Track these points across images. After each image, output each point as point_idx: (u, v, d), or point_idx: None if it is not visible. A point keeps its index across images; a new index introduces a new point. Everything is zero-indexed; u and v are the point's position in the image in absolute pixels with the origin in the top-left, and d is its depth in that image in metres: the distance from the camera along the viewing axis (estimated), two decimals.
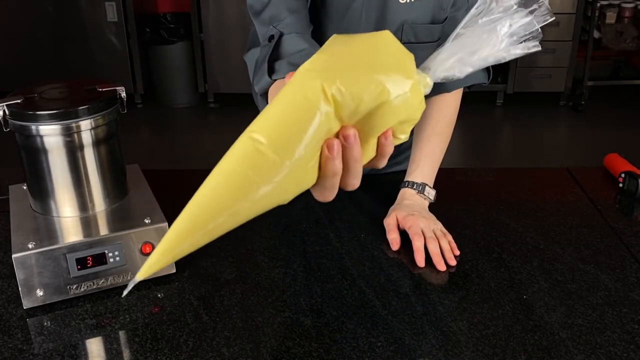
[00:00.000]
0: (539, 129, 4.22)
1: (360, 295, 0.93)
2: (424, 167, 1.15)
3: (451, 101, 1.20)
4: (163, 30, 4.37)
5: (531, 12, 0.56)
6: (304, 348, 0.82)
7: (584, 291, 0.94)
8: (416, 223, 1.05)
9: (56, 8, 4.25)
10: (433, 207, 1.13)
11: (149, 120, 4.40)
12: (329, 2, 1.07)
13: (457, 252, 1.03)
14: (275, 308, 0.91)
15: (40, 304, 0.90)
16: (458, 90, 1.20)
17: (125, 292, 0.56)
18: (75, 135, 0.93)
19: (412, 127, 0.59)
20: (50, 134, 0.91)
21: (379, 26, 1.10)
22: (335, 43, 0.57)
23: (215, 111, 4.49)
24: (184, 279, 0.97)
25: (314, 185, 0.58)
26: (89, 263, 0.90)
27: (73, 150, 0.94)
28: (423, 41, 1.14)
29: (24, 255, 0.87)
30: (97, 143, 0.95)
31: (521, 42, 0.56)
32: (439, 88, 1.18)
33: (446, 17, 1.14)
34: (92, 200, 0.97)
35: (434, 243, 1.02)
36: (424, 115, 1.21)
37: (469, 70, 0.58)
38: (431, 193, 1.14)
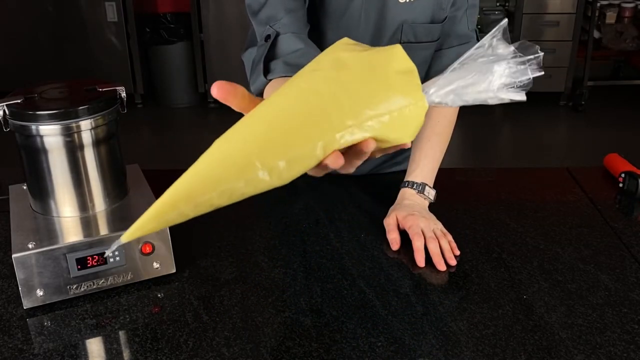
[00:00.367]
0: (539, 129, 4.22)
1: (360, 295, 0.93)
2: (424, 167, 1.15)
3: None
4: (163, 30, 4.37)
5: (528, 61, 0.58)
6: (304, 348, 0.82)
7: (584, 291, 0.94)
8: (416, 223, 1.05)
9: (56, 8, 4.25)
10: (433, 207, 1.13)
11: (149, 120, 4.40)
12: (328, 1, 1.07)
13: (457, 252, 1.03)
14: (275, 308, 0.91)
15: (40, 304, 0.90)
16: None
17: (108, 252, 0.55)
18: (75, 135, 0.93)
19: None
20: (50, 134, 0.91)
21: (378, 26, 1.10)
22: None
23: (215, 111, 4.49)
24: (184, 279, 0.97)
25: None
26: (89, 263, 0.90)
27: (73, 150, 0.94)
28: (422, 41, 1.14)
29: (24, 255, 0.87)
30: (97, 143, 0.95)
31: (511, 88, 0.58)
32: None
33: (445, 17, 1.14)
34: (92, 200, 0.97)
35: (434, 243, 1.02)
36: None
37: (460, 103, 0.60)
38: (431, 193, 1.14)
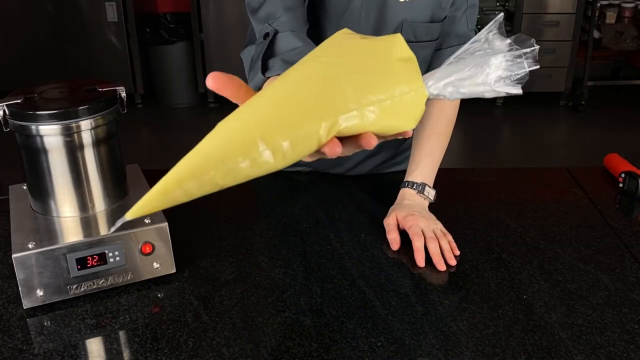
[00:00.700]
0: (539, 129, 4.22)
1: (360, 295, 0.93)
2: (424, 167, 1.15)
3: (451, 101, 1.20)
4: (163, 30, 4.37)
5: (524, 54, 0.59)
6: (304, 348, 0.82)
7: (584, 291, 0.94)
8: (416, 223, 1.05)
9: (56, 8, 4.25)
10: (433, 207, 1.13)
11: (149, 120, 4.40)
12: (328, 0, 1.07)
13: (457, 252, 1.03)
14: (275, 308, 0.91)
15: (40, 304, 0.90)
16: None
17: (112, 229, 0.54)
18: (75, 135, 0.93)
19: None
20: (50, 134, 0.91)
21: (378, 25, 1.10)
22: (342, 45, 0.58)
23: (215, 111, 4.49)
24: (184, 279, 0.97)
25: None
26: (89, 263, 0.90)
27: (73, 150, 0.94)
28: (422, 40, 1.14)
29: (24, 255, 0.87)
30: (97, 143, 0.95)
31: (507, 81, 0.59)
32: None
33: (445, 16, 1.14)
34: (92, 200, 0.97)
35: (434, 243, 1.02)
36: (424, 115, 1.21)
37: (457, 96, 0.61)
38: (431, 193, 1.14)
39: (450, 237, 1.05)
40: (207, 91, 4.56)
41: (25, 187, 1.02)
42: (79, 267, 0.90)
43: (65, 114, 0.91)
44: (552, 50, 4.35)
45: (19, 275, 0.87)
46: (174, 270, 0.97)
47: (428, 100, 0.61)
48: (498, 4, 4.52)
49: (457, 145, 3.82)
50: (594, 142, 3.93)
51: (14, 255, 0.87)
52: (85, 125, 0.93)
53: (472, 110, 4.17)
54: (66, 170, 0.94)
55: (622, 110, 4.50)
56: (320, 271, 0.99)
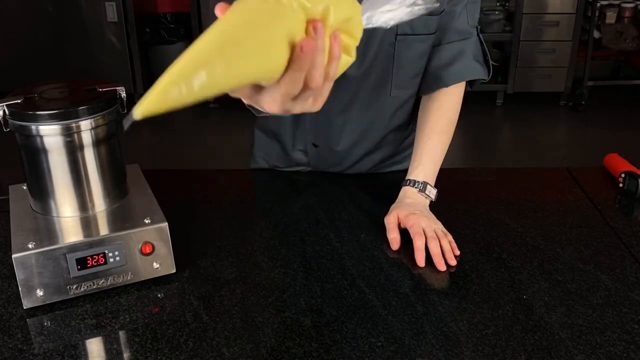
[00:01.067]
0: (539, 129, 4.22)
1: (360, 295, 0.93)
2: (425, 166, 1.15)
3: (451, 99, 1.20)
4: (163, 30, 4.38)
5: None
6: (304, 348, 0.82)
7: (584, 291, 0.94)
8: (417, 222, 1.05)
9: (56, 8, 4.25)
10: (433, 207, 1.13)
11: (149, 120, 4.36)
12: None
13: (458, 252, 1.03)
14: (275, 308, 0.91)
15: (40, 304, 0.90)
16: (458, 88, 1.20)
17: (126, 126, 0.53)
18: (75, 135, 0.93)
19: (356, 43, 0.64)
20: (50, 134, 0.91)
21: None
22: None
23: (215, 111, 4.49)
24: (184, 279, 0.97)
25: (279, 80, 0.59)
26: (89, 263, 0.90)
27: (73, 150, 0.94)
28: (419, 33, 1.13)
29: (24, 255, 0.87)
30: (97, 143, 0.95)
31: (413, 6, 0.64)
32: (436, 82, 1.18)
33: (443, 10, 1.14)
34: (92, 200, 0.97)
35: (435, 243, 1.02)
36: (424, 113, 1.21)
37: (383, 24, 0.65)
38: (432, 192, 1.13)
39: (450, 237, 1.05)
40: None
41: (25, 187, 1.02)
42: (79, 267, 0.90)
43: (65, 114, 0.91)
44: (552, 50, 4.35)
45: (19, 275, 0.87)
46: (174, 270, 0.97)
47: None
48: (498, 4, 4.52)
49: (458, 145, 3.82)
50: (594, 142, 3.93)
51: (14, 256, 0.87)
52: (85, 125, 0.93)
53: (472, 110, 4.16)
54: (66, 170, 0.94)
55: (622, 110, 4.50)
56: (320, 271, 0.99)
